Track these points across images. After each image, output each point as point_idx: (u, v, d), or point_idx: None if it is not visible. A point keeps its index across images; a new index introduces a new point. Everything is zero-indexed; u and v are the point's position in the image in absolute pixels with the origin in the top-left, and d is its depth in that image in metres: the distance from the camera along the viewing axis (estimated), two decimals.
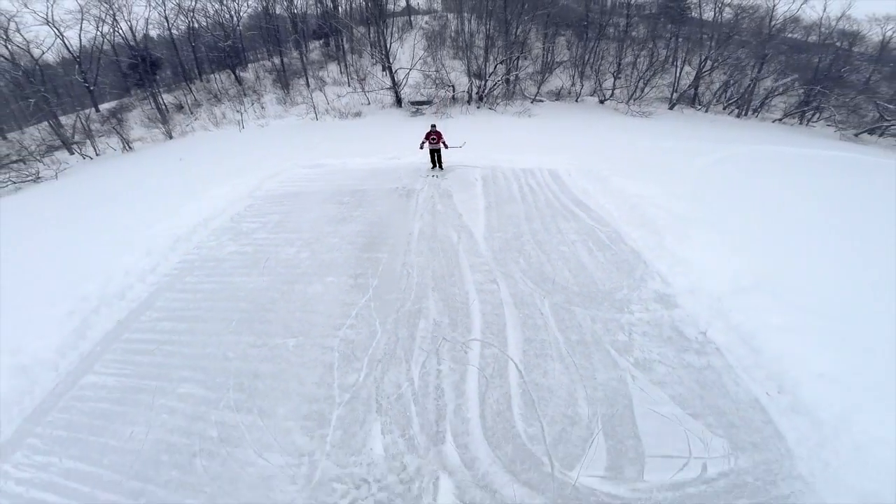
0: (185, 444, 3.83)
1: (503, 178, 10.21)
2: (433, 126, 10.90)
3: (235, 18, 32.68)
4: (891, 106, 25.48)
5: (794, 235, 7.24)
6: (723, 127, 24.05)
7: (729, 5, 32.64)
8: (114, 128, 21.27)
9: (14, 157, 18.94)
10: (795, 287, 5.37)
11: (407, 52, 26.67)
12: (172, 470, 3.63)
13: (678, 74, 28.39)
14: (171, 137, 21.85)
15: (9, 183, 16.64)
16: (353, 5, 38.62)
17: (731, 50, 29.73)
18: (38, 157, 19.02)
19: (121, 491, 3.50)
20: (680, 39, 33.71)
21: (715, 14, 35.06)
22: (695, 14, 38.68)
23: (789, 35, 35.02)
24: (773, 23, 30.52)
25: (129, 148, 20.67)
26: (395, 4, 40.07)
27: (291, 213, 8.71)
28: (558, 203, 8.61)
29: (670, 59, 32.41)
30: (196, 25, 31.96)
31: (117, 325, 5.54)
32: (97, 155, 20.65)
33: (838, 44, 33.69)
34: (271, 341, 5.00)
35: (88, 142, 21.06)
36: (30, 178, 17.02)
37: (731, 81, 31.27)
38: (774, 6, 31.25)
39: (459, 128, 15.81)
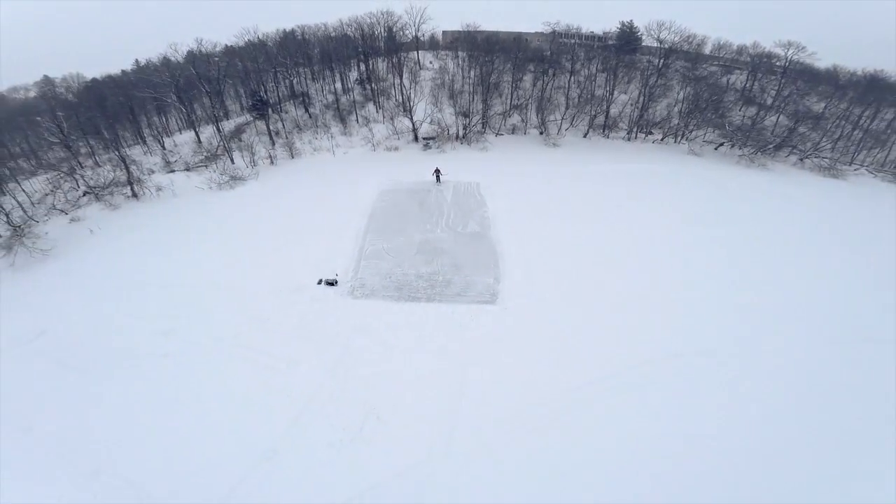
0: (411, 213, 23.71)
1: (461, 185, 30.07)
2: (437, 167, 30.66)
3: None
4: (726, 128, 45.58)
5: (551, 215, 27.09)
6: (608, 150, 43.58)
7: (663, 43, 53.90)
8: (284, 145, 40.45)
9: (199, 160, 38.16)
10: (529, 232, 25.16)
11: (418, 93, 46.50)
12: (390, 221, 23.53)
13: (607, 106, 47.94)
14: (291, 157, 41.12)
15: (226, 182, 35.55)
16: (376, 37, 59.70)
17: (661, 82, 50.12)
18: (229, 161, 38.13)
19: (394, 243, 23.33)
20: (618, 75, 53.93)
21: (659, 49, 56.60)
22: (647, 42, 59.66)
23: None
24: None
25: (274, 162, 39.92)
26: (409, 31, 62.28)
27: (399, 191, 28.55)
28: (475, 192, 28.42)
29: (605, 93, 51.00)
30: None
31: (372, 213, 25.31)
32: (255, 164, 39.74)
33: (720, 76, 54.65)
34: (407, 219, 24.80)
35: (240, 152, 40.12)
36: (241, 180, 36.11)
37: (633, 109, 50.50)
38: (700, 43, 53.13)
39: (447, 161, 35.58)
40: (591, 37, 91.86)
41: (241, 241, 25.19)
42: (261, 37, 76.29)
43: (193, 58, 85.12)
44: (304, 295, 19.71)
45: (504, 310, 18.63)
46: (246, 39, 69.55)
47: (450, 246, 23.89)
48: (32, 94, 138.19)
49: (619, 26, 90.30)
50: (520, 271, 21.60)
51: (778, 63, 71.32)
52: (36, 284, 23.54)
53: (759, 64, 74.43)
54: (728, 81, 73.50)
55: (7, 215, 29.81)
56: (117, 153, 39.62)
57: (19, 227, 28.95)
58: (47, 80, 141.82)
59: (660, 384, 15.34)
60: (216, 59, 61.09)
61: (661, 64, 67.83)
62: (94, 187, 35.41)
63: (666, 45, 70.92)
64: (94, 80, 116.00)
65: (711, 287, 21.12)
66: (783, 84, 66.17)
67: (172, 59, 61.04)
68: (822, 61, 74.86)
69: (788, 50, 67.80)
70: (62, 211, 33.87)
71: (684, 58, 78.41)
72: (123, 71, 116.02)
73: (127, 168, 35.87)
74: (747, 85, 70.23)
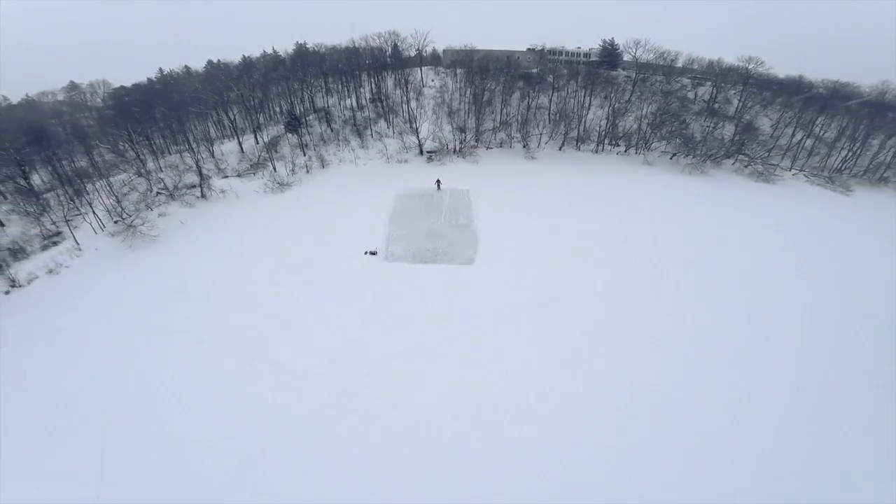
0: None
1: (455, 192, 42.11)
2: (438, 178, 42.44)
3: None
4: (677, 141, 56.75)
5: (518, 214, 38.92)
6: (577, 161, 55.32)
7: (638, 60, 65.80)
8: (315, 157, 52.08)
9: (246, 168, 49.70)
10: (500, 225, 36.96)
11: (422, 112, 58.10)
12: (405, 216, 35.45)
13: (579, 122, 59.19)
14: (322, 167, 52.64)
15: (277, 187, 47.15)
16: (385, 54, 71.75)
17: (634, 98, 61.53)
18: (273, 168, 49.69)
19: (409, 230, 35.15)
20: (596, 90, 65.40)
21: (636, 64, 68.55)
22: (627, 57, 71.72)
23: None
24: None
25: (309, 171, 51.39)
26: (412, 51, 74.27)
27: (410, 195, 40.50)
28: (465, 198, 40.23)
29: (579, 109, 62.35)
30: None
31: (395, 200, 37.15)
32: (295, 173, 51.27)
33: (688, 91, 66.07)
34: (418, 215, 36.60)
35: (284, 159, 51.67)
36: (287, 185, 47.59)
37: (606, 123, 61.72)
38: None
39: (446, 172, 47.25)
40: (577, 53, 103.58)
41: (302, 230, 37.24)
42: (282, 54, 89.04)
43: (217, 69, 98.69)
44: (356, 260, 32.87)
45: (476, 268, 31.63)
46: (263, 52, 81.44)
47: (446, 232, 36.32)
48: (60, 97, 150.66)
49: (601, 43, 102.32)
50: (489, 249, 34.12)
51: (738, 76, 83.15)
52: (159, 258, 35.27)
53: (723, 77, 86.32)
54: (696, 94, 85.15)
55: (122, 209, 41.41)
56: (193, 160, 50.83)
57: (130, 216, 40.61)
58: (73, 86, 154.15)
59: (568, 321, 27.03)
60: (254, 77, 72.49)
61: (636, 78, 79.72)
62: (170, 188, 46.85)
63: (642, 61, 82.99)
64: (122, 87, 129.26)
65: (628, 266, 33.20)
66: (743, 96, 78.09)
67: (200, 70, 72.64)
68: (817, 71, 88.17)
69: (749, 64, 79.93)
70: (148, 207, 45.33)
71: (661, 71, 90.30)
72: (149, 79, 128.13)
73: (200, 173, 47.60)
74: (711, 97, 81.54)
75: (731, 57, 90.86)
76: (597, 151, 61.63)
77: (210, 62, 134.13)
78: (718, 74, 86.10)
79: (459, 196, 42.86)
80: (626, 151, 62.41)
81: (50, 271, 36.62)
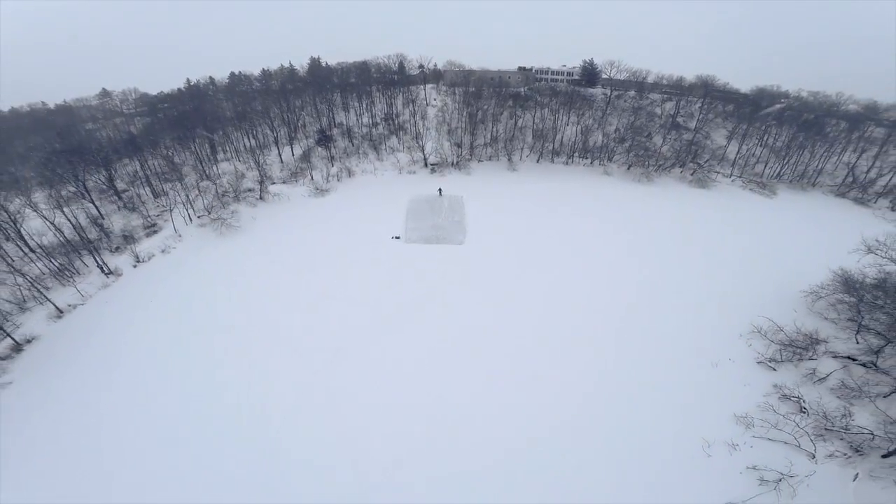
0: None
1: (452, 197, 58.21)
2: (440, 187, 58.62)
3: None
4: (628, 154, 72.82)
5: (499, 213, 55.21)
6: (550, 172, 71.55)
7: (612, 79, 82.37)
8: (342, 168, 68.21)
9: (288, 175, 65.66)
10: (484, 221, 53.17)
11: (426, 130, 74.28)
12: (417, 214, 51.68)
13: (554, 137, 74.99)
14: (349, 176, 68.70)
15: (318, 192, 63.15)
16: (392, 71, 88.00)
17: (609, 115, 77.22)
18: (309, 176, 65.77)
19: (420, 224, 51.39)
20: (575, 106, 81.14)
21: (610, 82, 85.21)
22: (605, 75, 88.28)
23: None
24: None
25: (340, 179, 67.49)
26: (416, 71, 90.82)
27: (420, 199, 56.64)
28: (459, 202, 56.43)
29: (555, 126, 78.19)
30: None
31: (409, 203, 53.15)
32: (329, 181, 67.26)
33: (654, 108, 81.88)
34: (425, 213, 52.78)
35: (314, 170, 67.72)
36: (325, 191, 63.59)
37: (580, 138, 77.62)
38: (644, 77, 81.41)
39: (445, 181, 63.47)
40: (561, 72, 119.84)
41: (343, 223, 53.56)
42: (298, 68, 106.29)
43: (240, 81, 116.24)
44: (386, 242, 49.38)
45: (465, 247, 48.34)
46: (280, 65, 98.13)
47: (445, 225, 52.70)
48: (94, 104, 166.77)
49: (582, 63, 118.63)
50: (473, 236, 50.42)
51: (699, 91, 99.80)
52: (242, 242, 51.28)
53: (685, 92, 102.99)
54: (663, 109, 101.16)
55: (204, 207, 57.30)
56: (257, 167, 66.58)
57: (213, 212, 56.49)
58: (105, 93, 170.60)
59: (528, 280, 43.16)
60: (289, 98, 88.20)
61: (611, 96, 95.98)
62: (235, 192, 62.63)
63: (617, 79, 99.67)
64: (150, 94, 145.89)
65: (576, 247, 49.06)
66: (703, 110, 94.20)
67: (225, 80, 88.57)
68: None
69: (715, 80, 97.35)
70: (223, 206, 61.12)
71: (633, 88, 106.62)
72: (179, 89, 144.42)
73: (262, 180, 63.43)
74: (675, 111, 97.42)
75: (691, 74, 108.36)
76: (567, 163, 77.61)
77: (233, 74, 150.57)
78: (681, 90, 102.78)
79: (455, 200, 58.69)
80: (591, 163, 78.37)
81: (163, 251, 52.62)
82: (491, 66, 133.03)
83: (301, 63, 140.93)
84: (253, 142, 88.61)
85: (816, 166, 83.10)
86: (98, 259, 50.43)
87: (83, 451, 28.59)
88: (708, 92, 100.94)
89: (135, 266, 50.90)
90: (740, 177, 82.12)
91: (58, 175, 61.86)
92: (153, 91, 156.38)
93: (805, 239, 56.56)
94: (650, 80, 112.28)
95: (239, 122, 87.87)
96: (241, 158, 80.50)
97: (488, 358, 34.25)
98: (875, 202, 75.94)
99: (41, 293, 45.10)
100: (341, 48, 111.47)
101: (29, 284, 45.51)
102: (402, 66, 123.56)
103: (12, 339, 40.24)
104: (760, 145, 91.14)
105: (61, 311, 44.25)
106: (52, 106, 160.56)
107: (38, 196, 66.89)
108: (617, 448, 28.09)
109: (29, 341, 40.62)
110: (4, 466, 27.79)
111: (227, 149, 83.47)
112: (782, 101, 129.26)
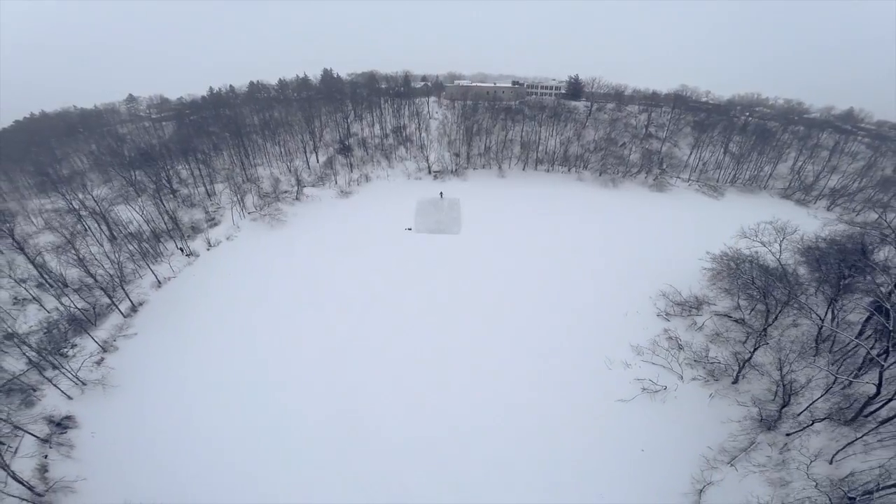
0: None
1: (451, 200, 75.23)
2: (441, 191, 75.62)
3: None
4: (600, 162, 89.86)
5: (489, 212, 72.27)
6: (533, 178, 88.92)
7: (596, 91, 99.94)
8: (361, 175, 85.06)
9: (315, 179, 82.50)
10: (476, 218, 70.17)
11: (429, 141, 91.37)
12: (423, 212, 68.68)
13: (537, 148, 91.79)
14: (367, 181, 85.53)
15: (344, 194, 79.91)
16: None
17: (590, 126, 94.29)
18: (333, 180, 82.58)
19: (426, 219, 68.40)
20: (559, 119, 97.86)
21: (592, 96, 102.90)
22: (588, 89, 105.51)
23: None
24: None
25: (359, 184, 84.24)
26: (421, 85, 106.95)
27: (425, 201, 73.66)
28: (457, 203, 73.45)
29: (539, 138, 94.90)
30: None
31: (417, 203, 70.10)
32: (350, 185, 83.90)
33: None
34: (430, 211, 69.74)
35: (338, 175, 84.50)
36: (349, 193, 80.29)
37: (562, 148, 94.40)
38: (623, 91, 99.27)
39: (446, 186, 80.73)
40: (550, 87, 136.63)
41: (367, 217, 70.33)
42: (312, 79, 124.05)
43: (258, 89, 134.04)
44: (401, 232, 66.67)
45: (461, 237, 65.49)
46: (295, 75, 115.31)
47: (446, 220, 69.23)
48: (123, 109, 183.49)
49: (568, 77, 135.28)
50: (467, 228, 67.13)
51: (669, 102, 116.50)
52: (290, 232, 68.17)
53: (657, 104, 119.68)
54: (638, 120, 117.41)
55: (254, 203, 74.07)
56: (291, 172, 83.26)
57: (263, 209, 73.27)
58: (131, 98, 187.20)
59: (512, 263, 60.16)
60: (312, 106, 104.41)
61: (592, 109, 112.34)
62: (274, 192, 79.18)
63: (599, 93, 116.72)
64: (172, 101, 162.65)
65: (554, 238, 65.87)
66: (671, 120, 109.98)
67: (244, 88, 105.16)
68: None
69: (679, 93, 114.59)
70: (267, 204, 77.66)
71: (614, 100, 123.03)
72: (203, 97, 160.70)
73: (298, 182, 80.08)
74: (648, 121, 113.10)
75: (676, 83, 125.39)
76: (548, 171, 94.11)
77: (252, 83, 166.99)
78: (655, 101, 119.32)
79: (454, 202, 75.20)
80: (568, 170, 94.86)
81: (228, 238, 69.38)
82: (488, 71, 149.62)
83: (314, 73, 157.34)
84: (281, 149, 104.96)
85: (770, 171, 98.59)
86: (178, 243, 67.22)
87: (193, 382, 44.18)
88: (678, 104, 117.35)
89: (208, 249, 67.58)
90: (697, 181, 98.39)
91: (138, 180, 79.17)
92: (173, 96, 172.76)
93: (729, 229, 73.19)
94: (628, 93, 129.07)
95: (269, 132, 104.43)
96: (272, 164, 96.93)
97: (469, 314, 51.17)
98: (815, 203, 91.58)
99: (147, 266, 61.84)
100: (343, 55, 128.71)
101: (140, 255, 62.60)
102: (407, 79, 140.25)
103: (131, 301, 56.99)
104: (725, 152, 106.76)
105: (160, 282, 61.03)
106: (79, 109, 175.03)
107: (103, 191, 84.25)
108: (551, 365, 44.39)
109: (141, 304, 57.39)
110: (150, 392, 44.77)
111: (259, 154, 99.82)
112: (757, 108, 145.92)
